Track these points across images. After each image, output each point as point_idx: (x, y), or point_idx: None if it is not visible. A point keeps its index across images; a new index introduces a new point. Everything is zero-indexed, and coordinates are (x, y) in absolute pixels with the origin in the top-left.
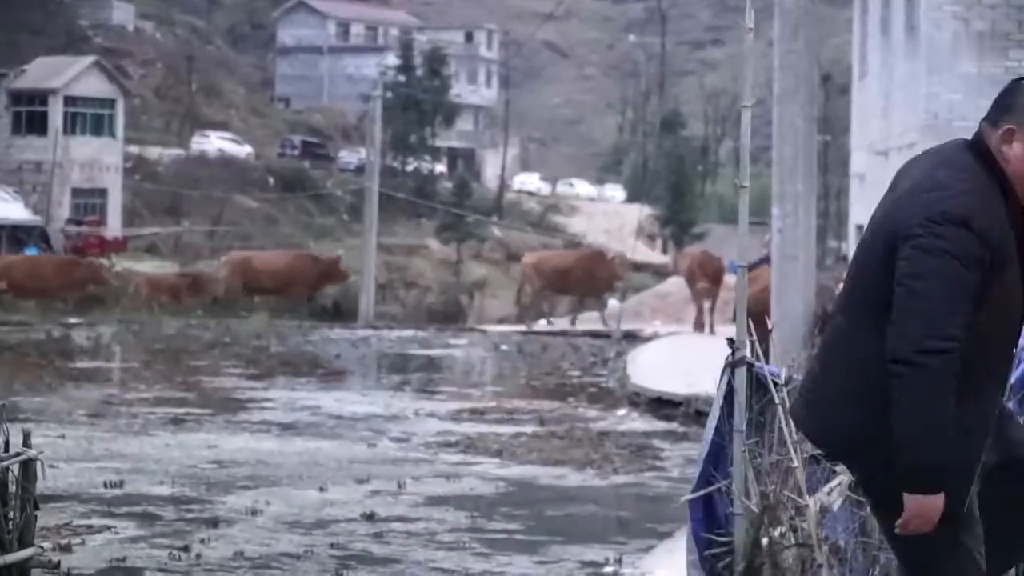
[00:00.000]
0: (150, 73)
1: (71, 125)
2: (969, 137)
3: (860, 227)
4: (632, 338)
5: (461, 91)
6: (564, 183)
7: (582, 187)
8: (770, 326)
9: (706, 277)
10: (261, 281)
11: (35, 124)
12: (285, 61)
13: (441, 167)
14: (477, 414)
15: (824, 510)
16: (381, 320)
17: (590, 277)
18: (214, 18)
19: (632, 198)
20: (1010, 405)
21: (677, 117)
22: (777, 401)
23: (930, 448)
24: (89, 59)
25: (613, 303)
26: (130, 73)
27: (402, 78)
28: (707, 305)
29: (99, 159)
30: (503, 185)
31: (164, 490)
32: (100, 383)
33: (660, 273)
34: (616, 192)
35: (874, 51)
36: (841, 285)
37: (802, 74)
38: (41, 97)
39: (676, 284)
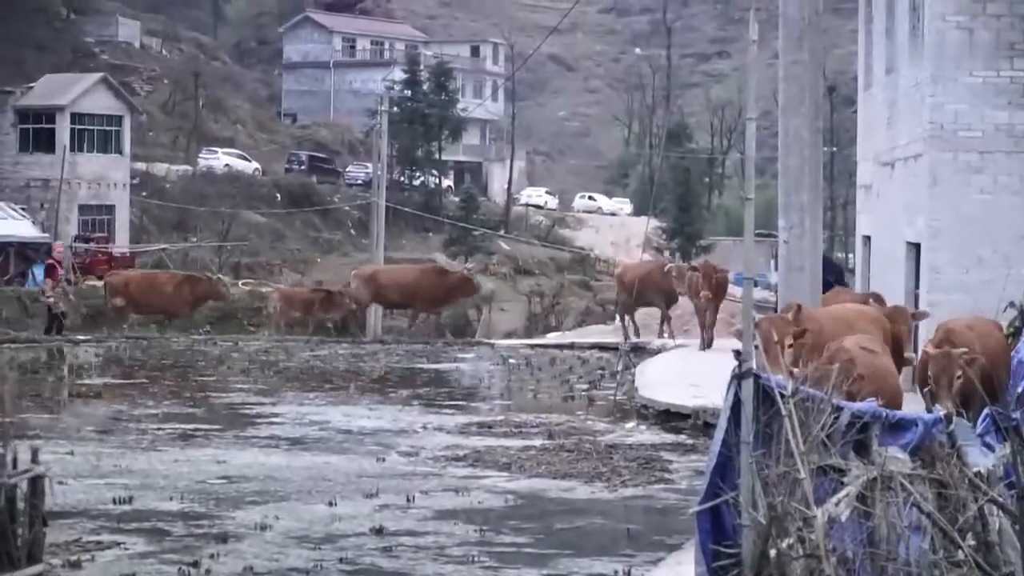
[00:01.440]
0: (156, 89)
1: (78, 142)
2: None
3: (867, 238)
4: (640, 350)
5: (467, 105)
6: (583, 196)
7: (603, 201)
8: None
9: (709, 288)
10: (388, 295)
11: (42, 141)
12: (291, 76)
13: (448, 181)
14: (485, 427)
15: (832, 521)
16: (389, 334)
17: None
18: (220, 34)
19: (638, 211)
20: (1016, 415)
21: (683, 129)
22: (784, 413)
23: None
24: (96, 76)
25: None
26: (136, 89)
27: (408, 92)
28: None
29: (106, 176)
30: (510, 199)
31: (173, 506)
32: (109, 399)
33: None
34: (623, 205)
35: (879, 61)
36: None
37: (807, 85)
38: (48, 114)
39: (683, 297)
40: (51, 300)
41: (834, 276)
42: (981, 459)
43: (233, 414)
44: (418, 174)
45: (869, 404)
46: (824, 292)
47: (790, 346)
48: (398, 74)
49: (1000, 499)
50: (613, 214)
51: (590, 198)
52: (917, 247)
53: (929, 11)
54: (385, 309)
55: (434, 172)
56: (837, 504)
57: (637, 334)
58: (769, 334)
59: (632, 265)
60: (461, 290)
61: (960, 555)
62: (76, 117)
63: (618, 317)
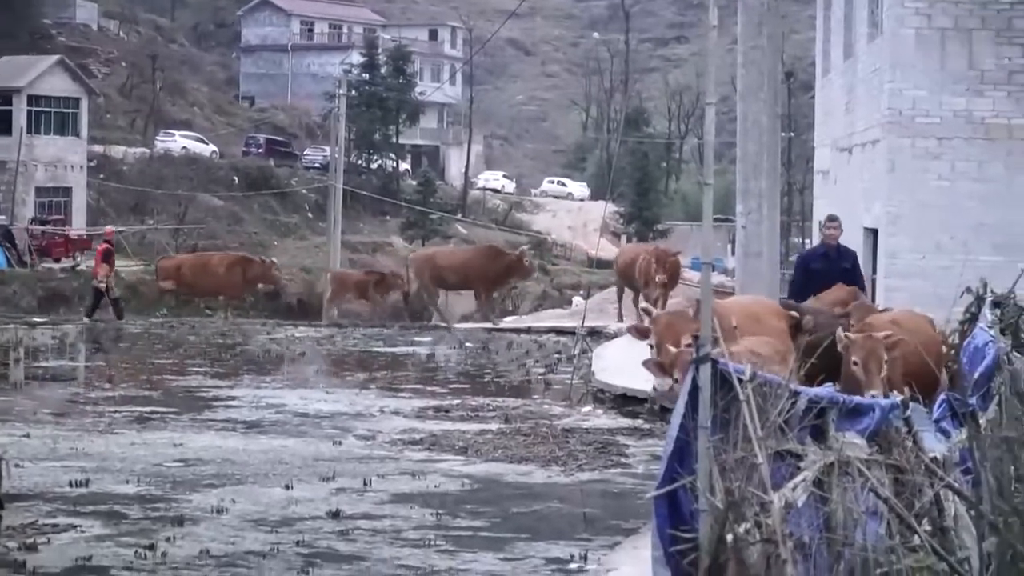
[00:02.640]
0: (114, 72)
1: (35, 124)
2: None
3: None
4: (596, 335)
5: (425, 89)
6: (551, 181)
7: (573, 186)
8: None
9: (663, 273)
10: (446, 277)
11: None
12: (249, 59)
13: (405, 165)
14: (442, 411)
15: (788, 506)
16: (346, 318)
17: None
18: (178, 16)
19: (596, 195)
20: (972, 400)
21: (641, 114)
22: (742, 398)
23: None
24: (53, 58)
25: (577, 300)
26: (94, 72)
27: (366, 76)
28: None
29: (63, 158)
30: (467, 182)
31: (130, 489)
32: (65, 382)
33: None
34: (581, 189)
35: (837, 47)
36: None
37: (766, 71)
38: (4, 96)
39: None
40: (103, 285)
41: (851, 263)
42: (935, 445)
43: (190, 397)
44: (376, 158)
45: (827, 389)
46: (834, 282)
47: (688, 345)
48: (356, 57)
49: (956, 485)
50: (583, 199)
51: (560, 183)
52: (875, 233)
53: None
54: (442, 292)
55: (392, 156)
56: (794, 489)
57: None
58: (667, 330)
59: (627, 248)
60: (516, 271)
61: (916, 540)
62: (33, 99)
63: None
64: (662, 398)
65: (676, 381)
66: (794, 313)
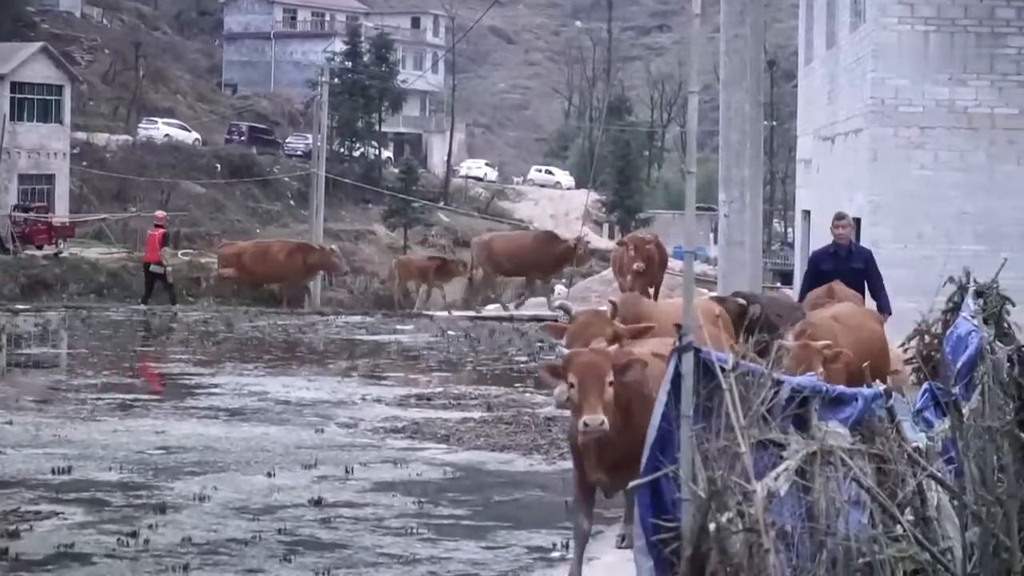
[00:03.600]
0: (97, 59)
1: (18, 111)
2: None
3: (806, 212)
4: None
5: (407, 77)
6: (539, 169)
7: (561, 175)
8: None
9: (641, 260)
10: (502, 263)
11: None
12: (232, 47)
13: (387, 153)
14: (424, 400)
15: (771, 495)
16: (328, 306)
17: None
18: (161, 4)
19: (578, 184)
20: (955, 390)
21: (623, 103)
22: (724, 387)
23: None
24: (36, 45)
25: (560, 288)
26: (77, 59)
27: (349, 64)
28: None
29: (46, 145)
30: (449, 170)
31: (112, 476)
32: (48, 369)
33: (607, 259)
34: (567, 178)
35: (820, 36)
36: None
37: (749, 59)
38: None
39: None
40: (170, 269)
41: (863, 263)
42: (911, 435)
43: (173, 384)
44: (358, 145)
45: (809, 379)
46: (845, 283)
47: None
48: (339, 45)
49: (939, 475)
50: (570, 187)
51: (547, 171)
52: (857, 222)
53: None
54: (498, 277)
55: (374, 144)
56: (776, 479)
57: None
58: (582, 331)
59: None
60: (570, 258)
61: (899, 530)
62: (16, 86)
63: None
64: (562, 407)
65: (572, 387)
66: (740, 301)
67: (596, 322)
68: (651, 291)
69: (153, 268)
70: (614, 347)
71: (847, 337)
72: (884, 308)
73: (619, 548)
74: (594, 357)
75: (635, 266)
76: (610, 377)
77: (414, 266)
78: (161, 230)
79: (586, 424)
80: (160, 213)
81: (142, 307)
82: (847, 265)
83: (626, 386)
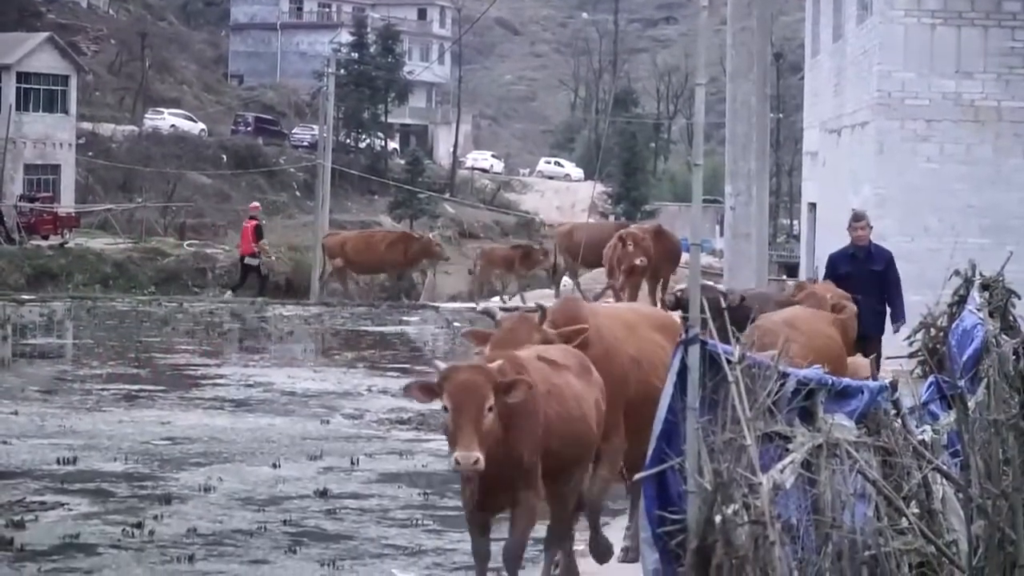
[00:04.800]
0: (103, 49)
1: (24, 101)
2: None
3: (812, 205)
4: None
5: (414, 68)
6: (548, 161)
7: (570, 167)
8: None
9: (642, 254)
10: (584, 253)
11: None
12: (238, 38)
13: (393, 144)
14: None
15: (777, 488)
16: (333, 297)
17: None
18: None
19: (584, 175)
20: (961, 383)
21: (630, 95)
22: (730, 379)
23: None
24: (42, 35)
25: (566, 279)
26: (83, 49)
27: (355, 55)
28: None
29: (52, 135)
30: (455, 162)
31: (117, 467)
32: (53, 360)
33: None
34: (577, 170)
35: (827, 29)
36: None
37: (755, 52)
38: None
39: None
40: (265, 261)
41: (883, 265)
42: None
43: (178, 375)
44: (364, 137)
45: (815, 371)
46: (864, 286)
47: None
48: (345, 36)
49: (944, 467)
50: (579, 180)
51: (556, 163)
52: None
53: None
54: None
55: (380, 135)
56: (782, 471)
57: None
58: (508, 337)
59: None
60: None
61: (904, 523)
62: (22, 76)
63: None
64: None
65: (446, 411)
66: (720, 290)
67: (523, 328)
68: (659, 285)
69: (248, 260)
70: (497, 363)
71: (798, 343)
72: (897, 317)
73: (622, 562)
74: (474, 377)
75: (637, 261)
76: (490, 401)
77: (498, 256)
78: (254, 222)
79: (458, 462)
80: (254, 204)
81: (228, 295)
82: (866, 267)
83: (510, 406)
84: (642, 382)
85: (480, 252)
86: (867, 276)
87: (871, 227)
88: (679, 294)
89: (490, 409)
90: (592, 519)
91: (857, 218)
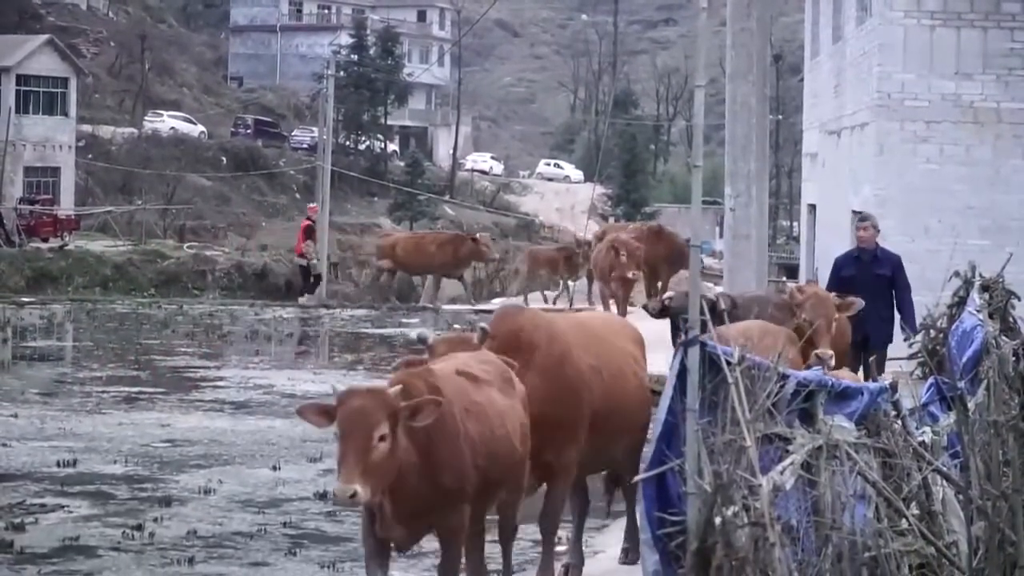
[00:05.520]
0: (103, 52)
1: (23, 104)
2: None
3: (812, 206)
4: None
5: (413, 70)
6: (548, 163)
7: (570, 169)
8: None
9: (635, 266)
10: (670, 247)
11: None
12: (238, 40)
13: (393, 146)
14: None
15: (777, 489)
16: (334, 299)
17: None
18: None
19: (584, 177)
20: (961, 384)
21: (629, 96)
22: (730, 380)
23: None
24: (42, 38)
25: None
26: (83, 52)
27: (355, 57)
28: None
29: (52, 138)
30: (455, 164)
31: (117, 469)
32: (53, 362)
33: None
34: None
35: (826, 30)
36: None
37: (755, 53)
38: None
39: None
40: (314, 261)
41: (890, 269)
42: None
43: (177, 378)
44: (364, 139)
45: (815, 373)
46: (869, 290)
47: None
48: (345, 38)
49: (944, 469)
50: (579, 181)
51: (556, 165)
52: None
53: None
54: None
55: (380, 137)
56: (782, 472)
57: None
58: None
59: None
60: (686, 256)
61: (904, 524)
62: (22, 79)
63: None
64: None
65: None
66: (711, 296)
67: (461, 351)
68: (659, 285)
69: (296, 260)
70: (396, 388)
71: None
72: (908, 325)
73: (623, 564)
74: (365, 403)
75: (630, 274)
76: (381, 430)
77: (543, 257)
78: (307, 222)
79: (334, 495)
80: (312, 206)
81: (303, 299)
82: (871, 271)
83: (427, 429)
84: (606, 392)
85: (526, 253)
86: (871, 280)
87: (877, 229)
88: (667, 302)
89: (382, 439)
90: (547, 540)
91: (863, 218)
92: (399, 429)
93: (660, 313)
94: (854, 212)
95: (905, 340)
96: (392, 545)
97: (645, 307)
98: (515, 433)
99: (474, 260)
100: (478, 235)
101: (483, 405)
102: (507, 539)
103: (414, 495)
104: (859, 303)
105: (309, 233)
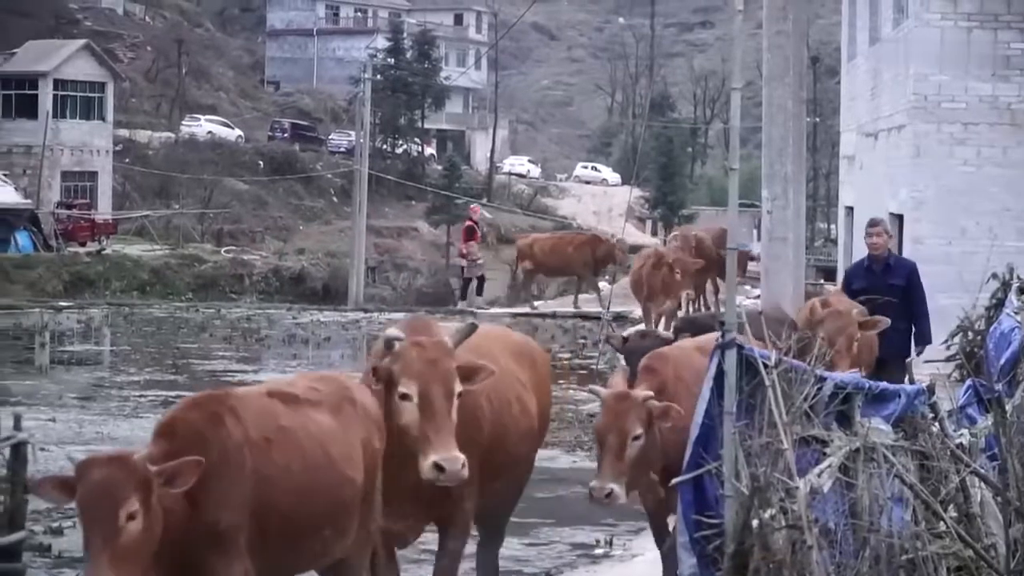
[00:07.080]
0: (140, 56)
1: (61, 108)
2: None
3: (849, 209)
4: (622, 319)
5: (450, 73)
6: (585, 166)
7: (607, 172)
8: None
9: (682, 275)
10: (702, 256)
11: (25, 107)
12: (275, 44)
13: (430, 149)
14: None
15: (814, 492)
16: (371, 303)
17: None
18: (203, 1)
19: (622, 180)
20: (998, 386)
21: (666, 99)
22: (767, 383)
23: None
24: (79, 42)
25: (603, 285)
26: (120, 56)
27: (391, 60)
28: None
29: (89, 142)
30: (492, 167)
31: None
32: (91, 366)
33: None
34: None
35: (863, 32)
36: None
37: (791, 55)
38: (31, 80)
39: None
40: (480, 261)
41: (904, 279)
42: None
43: (215, 382)
44: (401, 142)
45: (852, 375)
46: (887, 301)
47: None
48: (381, 42)
49: (982, 471)
50: (616, 184)
51: (593, 168)
52: (900, 218)
53: None
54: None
55: (417, 140)
56: (819, 475)
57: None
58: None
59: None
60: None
61: (942, 527)
62: (59, 83)
63: None
64: None
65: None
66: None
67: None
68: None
69: (456, 260)
70: (145, 452)
71: (692, 371)
72: (923, 339)
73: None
74: (108, 476)
75: (684, 295)
76: (130, 507)
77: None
78: (468, 223)
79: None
80: (475, 207)
81: (478, 300)
82: (883, 281)
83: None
84: (495, 423)
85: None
86: (885, 291)
87: (890, 234)
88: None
89: (131, 517)
90: None
91: (872, 224)
92: (153, 499)
93: (680, 329)
94: (891, 214)
95: (943, 343)
96: None
97: (608, 340)
98: (344, 461)
99: (611, 262)
100: (615, 238)
101: (293, 431)
102: None
103: (180, 544)
104: (884, 321)
105: (470, 234)
